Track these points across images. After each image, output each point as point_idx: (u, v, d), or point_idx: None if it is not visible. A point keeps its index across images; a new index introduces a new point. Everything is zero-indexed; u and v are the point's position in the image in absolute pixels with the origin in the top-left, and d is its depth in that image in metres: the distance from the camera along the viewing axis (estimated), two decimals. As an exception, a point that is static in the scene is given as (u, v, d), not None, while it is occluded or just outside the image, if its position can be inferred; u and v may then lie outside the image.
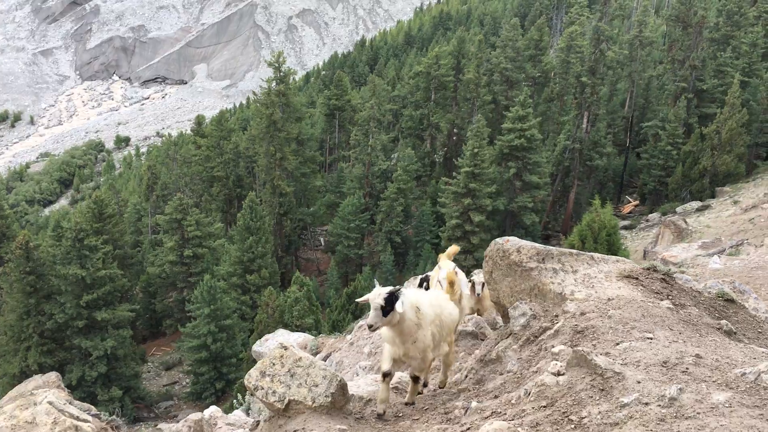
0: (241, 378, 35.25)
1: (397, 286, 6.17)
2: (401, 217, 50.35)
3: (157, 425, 34.55)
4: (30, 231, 48.69)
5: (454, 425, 5.54)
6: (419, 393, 7.12)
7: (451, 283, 7.61)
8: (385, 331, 6.33)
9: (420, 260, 46.40)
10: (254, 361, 29.74)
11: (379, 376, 6.68)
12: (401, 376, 7.86)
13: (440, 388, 7.33)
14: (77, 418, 4.91)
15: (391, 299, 5.95)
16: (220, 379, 39.46)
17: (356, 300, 7.50)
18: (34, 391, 5.04)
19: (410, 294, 6.32)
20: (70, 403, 5.52)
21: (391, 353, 6.44)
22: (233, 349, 39.67)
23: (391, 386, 7.52)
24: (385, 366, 6.45)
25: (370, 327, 6.09)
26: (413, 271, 44.21)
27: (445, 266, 8.73)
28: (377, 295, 5.99)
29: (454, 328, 7.15)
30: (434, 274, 9.03)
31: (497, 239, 7.51)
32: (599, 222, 30.11)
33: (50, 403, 4.85)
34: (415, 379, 6.74)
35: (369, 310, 6.16)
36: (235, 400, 15.89)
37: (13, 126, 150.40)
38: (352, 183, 55.00)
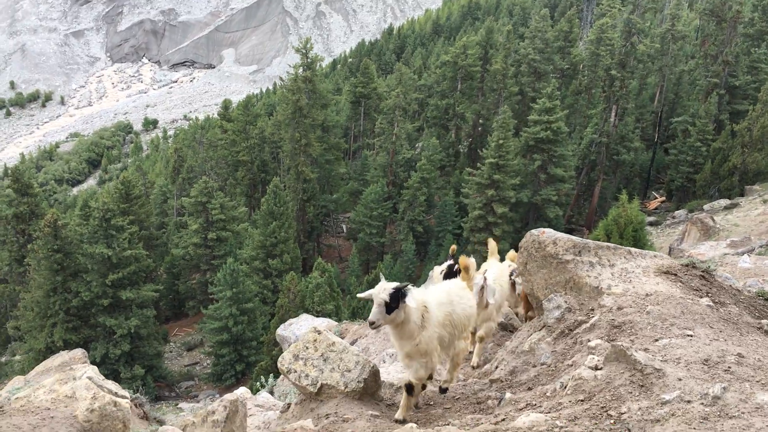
0: (261, 361, 35.62)
1: (405, 283, 5.73)
2: (424, 207, 50.29)
3: (177, 404, 34.86)
4: (58, 210, 49.34)
5: (487, 415, 5.50)
6: (416, 406, 6.44)
7: (466, 269, 6.96)
8: (390, 332, 5.93)
9: (441, 250, 46.33)
10: (276, 345, 29.91)
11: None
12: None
13: (442, 391, 6.65)
14: (116, 394, 4.97)
15: (397, 295, 5.55)
16: (241, 362, 39.82)
17: (358, 295, 6.38)
18: (74, 366, 5.11)
19: (417, 293, 5.86)
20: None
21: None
22: (254, 332, 39.99)
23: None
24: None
25: (371, 324, 5.60)
26: (434, 261, 44.14)
27: (492, 265, 8.61)
28: (382, 290, 5.58)
29: (469, 323, 6.57)
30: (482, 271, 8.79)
31: (533, 230, 7.43)
32: (626, 217, 29.81)
33: (90, 378, 4.91)
34: (410, 389, 5.98)
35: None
36: (258, 383, 16.00)
37: (44, 106, 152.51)
38: (376, 171, 54.99)
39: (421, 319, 5.76)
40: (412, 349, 5.80)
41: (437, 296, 6.16)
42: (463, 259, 7.05)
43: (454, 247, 12.82)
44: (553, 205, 45.37)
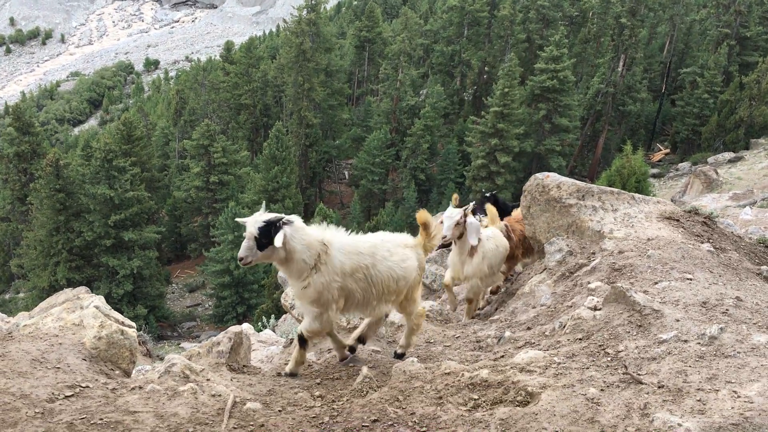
0: (262, 303, 36.07)
1: (283, 215, 5.03)
2: (427, 155, 50.08)
3: (180, 344, 35.49)
4: (60, 149, 49.25)
5: (486, 353, 5.61)
6: (348, 355, 5.73)
7: (425, 226, 5.77)
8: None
9: (443, 198, 46.37)
10: (277, 288, 30.22)
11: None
12: (432, 304, 7.92)
13: (397, 356, 5.86)
14: (122, 323, 5.06)
15: (268, 230, 4.84)
16: (242, 304, 40.34)
17: (236, 219, 5.81)
18: (81, 296, 5.19)
19: (313, 230, 5.14)
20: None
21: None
22: (255, 275, 40.36)
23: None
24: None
25: (240, 260, 4.97)
26: (436, 209, 44.15)
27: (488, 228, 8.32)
28: (253, 222, 4.93)
29: (398, 287, 5.45)
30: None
31: (537, 174, 7.43)
32: (629, 168, 29.77)
33: (96, 307, 4.99)
34: (302, 341, 5.29)
35: None
36: (259, 323, 16.30)
37: (44, 43, 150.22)
38: (379, 117, 54.58)
39: (315, 259, 4.99)
40: (300, 293, 5.08)
41: (354, 243, 5.36)
42: (421, 215, 5.82)
43: (456, 196, 12.51)
44: (556, 155, 45.18)
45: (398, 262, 5.42)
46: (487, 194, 10.74)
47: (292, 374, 5.40)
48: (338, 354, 5.69)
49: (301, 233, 4.99)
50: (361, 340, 5.83)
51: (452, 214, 7.22)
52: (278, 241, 4.79)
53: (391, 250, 5.46)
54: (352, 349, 5.78)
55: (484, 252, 7.45)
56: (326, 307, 5.10)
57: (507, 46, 56.26)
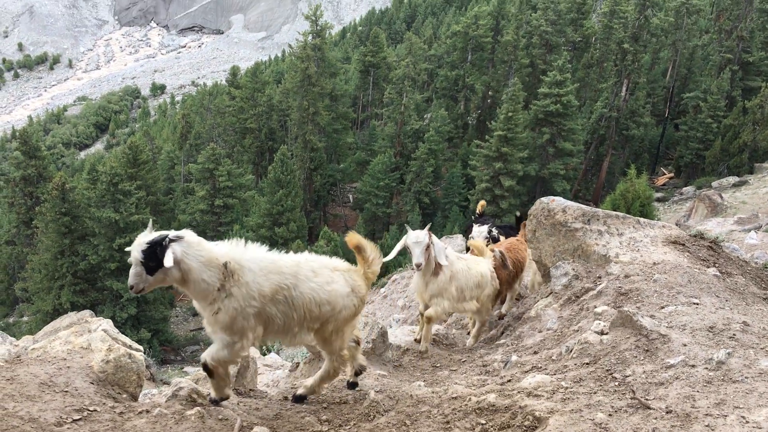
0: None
1: (170, 233, 4.43)
2: (431, 178, 50.22)
3: (183, 368, 35.26)
4: (66, 173, 49.50)
5: (493, 377, 5.60)
6: (305, 396, 5.23)
7: (358, 249, 5.47)
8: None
9: (447, 222, 46.39)
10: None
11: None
12: (438, 328, 7.91)
13: (296, 400, 5.26)
14: (130, 347, 5.08)
15: (154, 252, 4.30)
16: (246, 328, 40.17)
17: (125, 249, 4.68)
18: (89, 320, 5.22)
19: (215, 247, 4.62)
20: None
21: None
22: (259, 298, 40.19)
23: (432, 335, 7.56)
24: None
25: (131, 288, 4.53)
26: (440, 233, 44.17)
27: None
28: (137, 245, 4.38)
29: (321, 312, 4.91)
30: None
31: (542, 198, 7.46)
32: (633, 192, 29.81)
33: (105, 330, 5.01)
34: (206, 370, 4.67)
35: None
36: (263, 347, 16.24)
37: (51, 68, 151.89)
38: (384, 141, 54.84)
39: (220, 280, 4.44)
40: (211, 318, 4.54)
41: (275, 262, 4.85)
42: (351, 237, 5.49)
43: (483, 203, 12.11)
44: (560, 179, 45.29)
45: (322, 284, 4.94)
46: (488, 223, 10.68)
47: (219, 400, 4.79)
48: (215, 394, 4.77)
49: (196, 249, 4.44)
50: (358, 372, 5.51)
51: (419, 238, 6.75)
52: (168, 260, 4.25)
53: (315, 270, 4.99)
54: (354, 384, 5.47)
55: (453, 272, 7.05)
56: (241, 336, 4.55)
57: (510, 70, 56.69)
